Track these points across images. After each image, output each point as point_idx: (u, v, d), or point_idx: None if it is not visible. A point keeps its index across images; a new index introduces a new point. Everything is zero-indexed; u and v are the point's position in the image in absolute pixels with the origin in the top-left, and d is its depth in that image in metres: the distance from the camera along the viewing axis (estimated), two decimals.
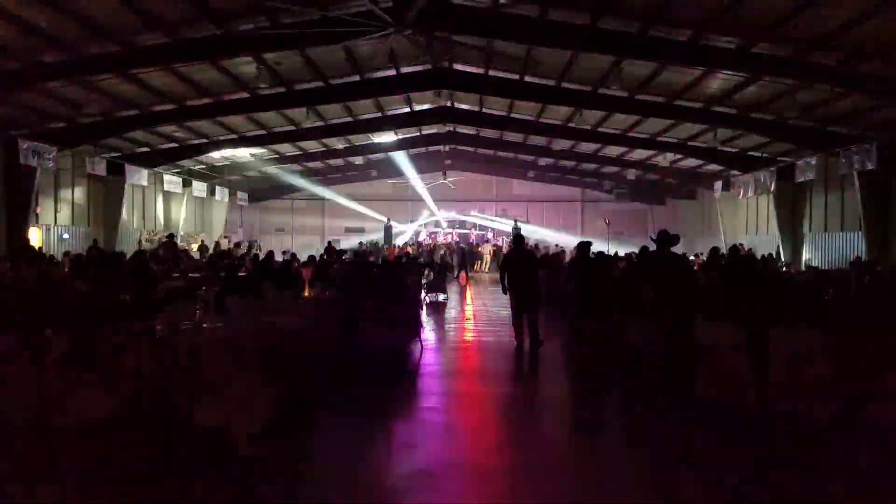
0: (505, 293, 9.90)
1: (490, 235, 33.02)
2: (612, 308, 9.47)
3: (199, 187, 25.08)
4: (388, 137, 24.65)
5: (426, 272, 17.23)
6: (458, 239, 32.55)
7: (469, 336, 11.66)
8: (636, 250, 15.08)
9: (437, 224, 34.43)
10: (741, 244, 22.01)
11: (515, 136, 24.53)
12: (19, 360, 4.83)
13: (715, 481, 4.65)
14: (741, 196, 22.27)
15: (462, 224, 34.11)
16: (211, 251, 21.75)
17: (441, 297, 16.46)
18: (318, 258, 15.22)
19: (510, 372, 8.88)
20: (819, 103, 14.13)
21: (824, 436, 5.54)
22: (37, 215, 17.49)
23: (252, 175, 28.88)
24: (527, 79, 16.11)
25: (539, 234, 33.14)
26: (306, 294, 9.28)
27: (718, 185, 24.36)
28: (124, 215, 21.72)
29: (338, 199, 31.80)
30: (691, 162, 23.79)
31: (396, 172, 31.38)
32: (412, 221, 34.87)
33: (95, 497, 4.31)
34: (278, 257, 14.87)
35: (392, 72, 16.27)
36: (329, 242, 26.43)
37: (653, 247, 8.05)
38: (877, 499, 4.47)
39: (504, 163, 30.70)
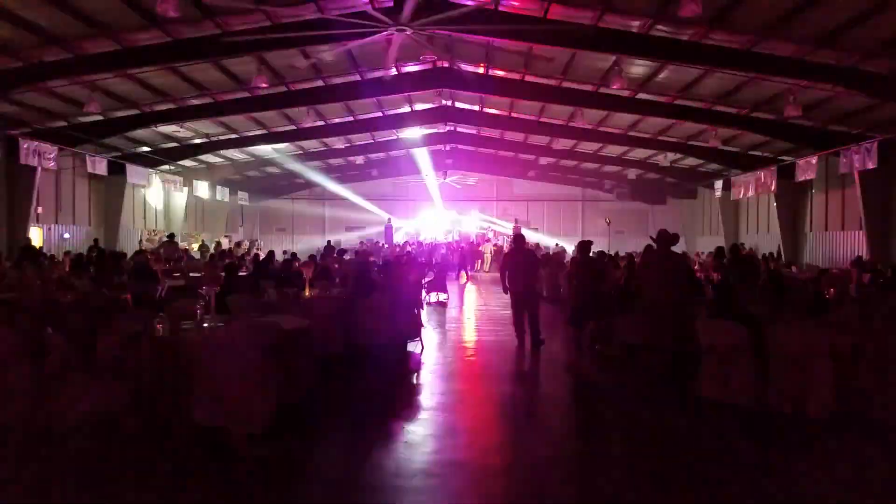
0: (505, 292, 9.90)
1: (491, 235, 33.03)
2: (613, 307, 9.47)
3: (200, 186, 25.10)
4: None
5: (427, 272, 17.23)
6: (459, 239, 32.59)
7: (470, 335, 11.66)
8: (639, 249, 15.09)
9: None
10: (742, 244, 22.03)
11: (516, 136, 24.54)
12: (19, 360, 4.82)
13: (715, 481, 4.65)
14: (742, 195, 22.29)
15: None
16: (212, 251, 21.76)
17: (442, 296, 16.46)
18: (318, 257, 15.23)
19: (511, 371, 8.87)
20: (820, 102, 14.14)
21: (824, 435, 5.53)
22: (37, 215, 17.51)
23: (253, 174, 28.92)
24: (527, 78, 16.14)
25: (539, 233, 33.15)
26: (307, 293, 9.28)
27: (719, 184, 24.36)
28: (125, 215, 21.74)
29: (342, 192, 31.50)
30: (692, 161, 23.79)
31: (397, 171, 31.38)
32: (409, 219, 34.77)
33: (96, 497, 4.31)
34: (279, 257, 14.88)
35: (392, 71, 16.26)
36: (329, 242, 26.45)
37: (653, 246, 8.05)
38: (876, 499, 4.47)
39: (505, 162, 30.71)
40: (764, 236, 23.48)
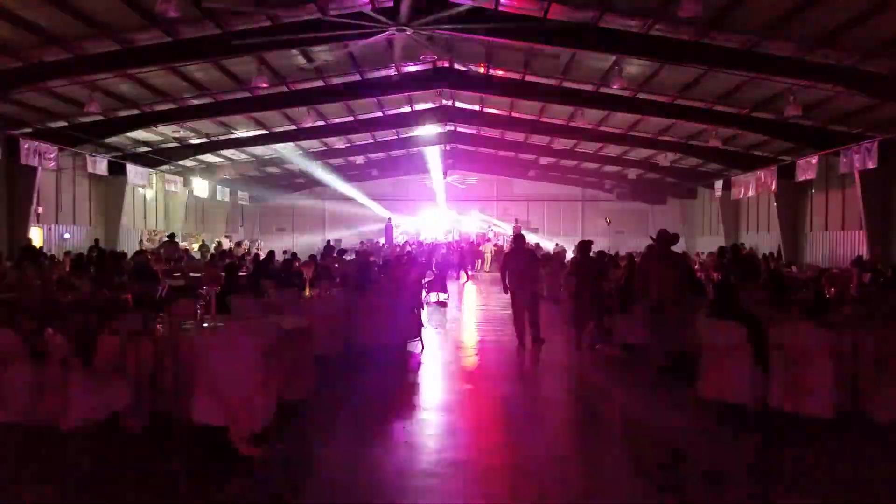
0: (506, 292, 9.90)
1: (491, 235, 33.02)
2: (613, 307, 9.47)
3: (200, 186, 25.10)
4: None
5: (427, 271, 17.23)
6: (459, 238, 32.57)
7: (470, 335, 11.66)
8: (639, 249, 15.08)
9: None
10: (742, 243, 22.02)
11: (516, 136, 24.54)
12: (19, 360, 4.82)
13: (715, 481, 4.65)
14: (742, 195, 22.28)
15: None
16: (212, 251, 21.77)
17: (442, 296, 16.45)
18: (318, 257, 15.22)
19: (511, 371, 8.88)
20: (820, 102, 14.14)
21: (824, 435, 5.53)
22: (38, 215, 17.51)
23: (253, 174, 28.91)
24: (528, 78, 16.13)
25: (539, 233, 33.13)
26: (307, 293, 9.27)
27: (719, 184, 24.34)
28: (125, 215, 21.74)
29: (343, 189, 31.42)
30: (692, 161, 23.78)
31: (397, 171, 31.35)
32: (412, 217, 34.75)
33: (96, 497, 4.31)
34: (279, 257, 14.87)
35: (392, 71, 16.29)
36: (328, 241, 26.44)
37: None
38: (876, 499, 4.47)
39: (505, 162, 30.71)
40: (764, 236, 23.47)
